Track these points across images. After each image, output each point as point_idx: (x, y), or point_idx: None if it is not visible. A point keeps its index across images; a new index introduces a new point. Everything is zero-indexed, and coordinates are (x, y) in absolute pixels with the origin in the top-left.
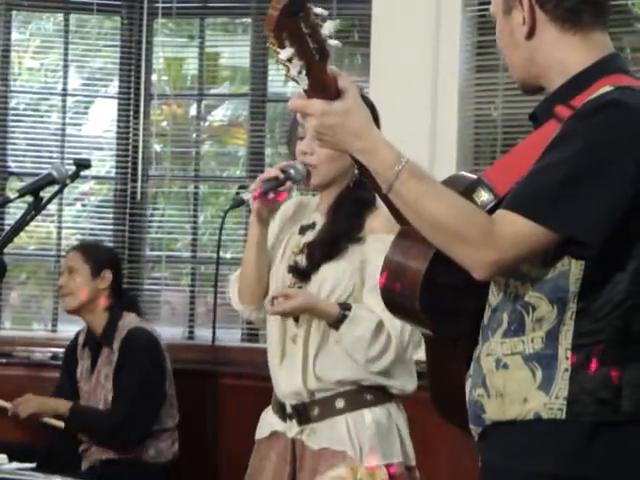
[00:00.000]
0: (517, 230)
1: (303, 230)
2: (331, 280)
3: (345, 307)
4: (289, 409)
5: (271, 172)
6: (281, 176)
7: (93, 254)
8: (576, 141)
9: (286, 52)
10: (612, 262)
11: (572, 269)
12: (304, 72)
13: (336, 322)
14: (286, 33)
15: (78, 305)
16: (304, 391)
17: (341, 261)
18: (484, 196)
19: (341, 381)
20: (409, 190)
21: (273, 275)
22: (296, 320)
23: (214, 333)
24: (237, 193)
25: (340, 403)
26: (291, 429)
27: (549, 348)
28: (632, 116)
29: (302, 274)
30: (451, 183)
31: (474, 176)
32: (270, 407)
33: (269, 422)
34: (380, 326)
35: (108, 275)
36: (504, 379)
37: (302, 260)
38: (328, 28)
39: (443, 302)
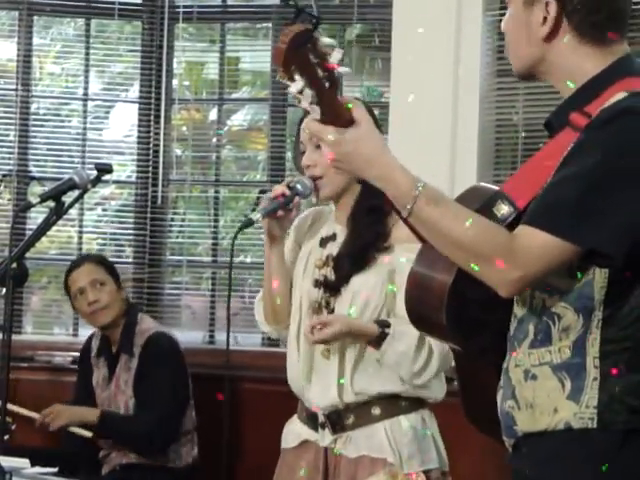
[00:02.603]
0: (539, 245)
1: (324, 242)
2: (364, 292)
3: (383, 324)
4: (322, 418)
5: (278, 190)
6: (288, 193)
7: (110, 265)
8: (593, 152)
9: (296, 85)
10: (636, 269)
11: (596, 277)
12: (315, 101)
13: (377, 340)
14: (295, 65)
15: (113, 319)
16: (340, 403)
17: (371, 272)
18: (504, 209)
19: (380, 393)
20: (428, 215)
21: (297, 291)
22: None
23: (228, 337)
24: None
25: (376, 410)
26: (324, 438)
27: (577, 357)
28: None
29: (332, 287)
30: (471, 195)
31: (494, 187)
32: (295, 417)
33: (297, 432)
34: (421, 339)
35: (124, 285)
36: (533, 390)
37: (329, 273)
38: (336, 57)
39: (469, 314)
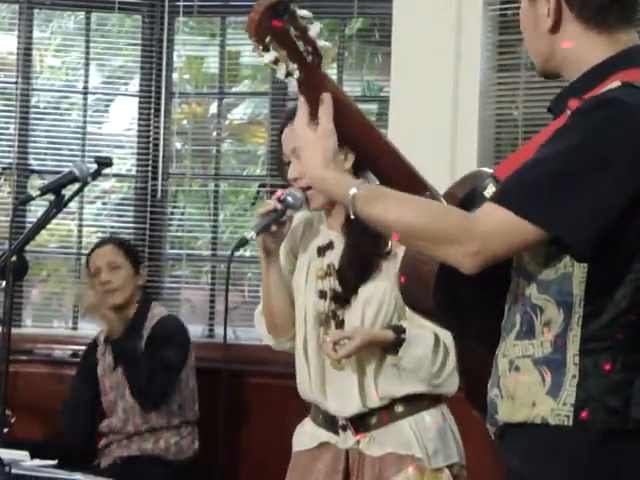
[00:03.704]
0: (499, 221)
1: (321, 251)
2: (375, 302)
3: (398, 330)
4: (342, 421)
5: (269, 205)
6: (279, 207)
7: (131, 250)
8: (571, 137)
9: (269, 55)
10: (616, 266)
11: (575, 271)
12: (295, 74)
13: (393, 346)
14: (271, 36)
15: (123, 301)
16: (364, 409)
17: (377, 280)
18: (493, 191)
19: (405, 395)
20: (371, 214)
21: (301, 302)
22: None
23: (225, 332)
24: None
25: (399, 408)
26: (346, 440)
27: (557, 353)
28: (627, 116)
29: (341, 299)
30: (469, 178)
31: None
32: (307, 420)
33: (312, 434)
34: (437, 340)
35: (144, 272)
36: (515, 381)
37: (333, 284)
38: (314, 30)
39: (459, 300)
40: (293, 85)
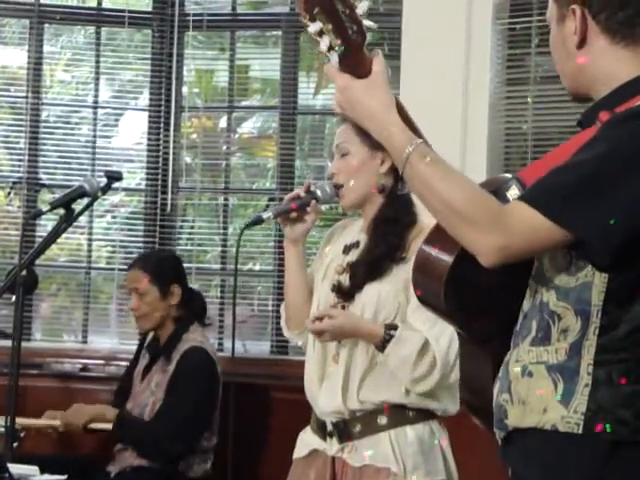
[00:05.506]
0: (527, 221)
1: (347, 249)
2: (374, 302)
3: (391, 327)
4: (329, 427)
5: (295, 192)
6: (302, 195)
7: (158, 274)
8: (602, 146)
9: (315, 26)
10: (637, 279)
11: (595, 281)
12: (336, 48)
13: (382, 343)
14: (319, 9)
15: (153, 326)
16: (345, 410)
17: (385, 281)
18: (516, 193)
19: (385, 402)
20: (420, 172)
21: (315, 295)
22: (339, 340)
23: (233, 345)
24: (266, 205)
25: (382, 420)
26: (332, 447)
27: (572, 361)
28: None
29: (346, 294)
30: (490, 181)
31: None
32: (308, 427)
33: (307, 441)
34: (426, 347)
35: (177, 290)
36: (527, 387)
37: (345, 279)
38: (362, 8)
39: (470, 298)
40: (334, 60)
